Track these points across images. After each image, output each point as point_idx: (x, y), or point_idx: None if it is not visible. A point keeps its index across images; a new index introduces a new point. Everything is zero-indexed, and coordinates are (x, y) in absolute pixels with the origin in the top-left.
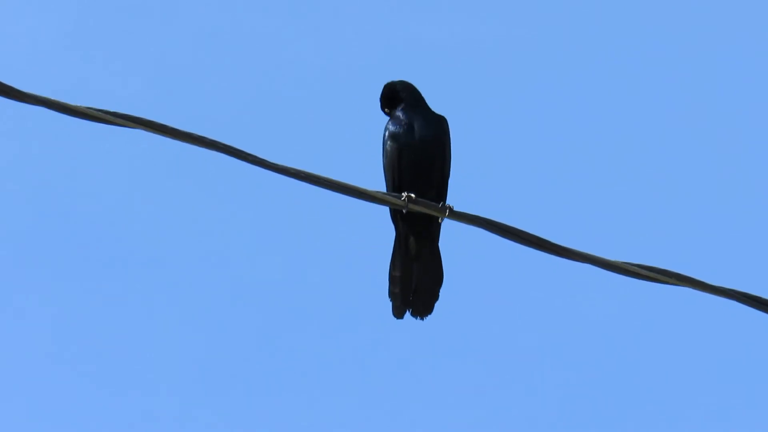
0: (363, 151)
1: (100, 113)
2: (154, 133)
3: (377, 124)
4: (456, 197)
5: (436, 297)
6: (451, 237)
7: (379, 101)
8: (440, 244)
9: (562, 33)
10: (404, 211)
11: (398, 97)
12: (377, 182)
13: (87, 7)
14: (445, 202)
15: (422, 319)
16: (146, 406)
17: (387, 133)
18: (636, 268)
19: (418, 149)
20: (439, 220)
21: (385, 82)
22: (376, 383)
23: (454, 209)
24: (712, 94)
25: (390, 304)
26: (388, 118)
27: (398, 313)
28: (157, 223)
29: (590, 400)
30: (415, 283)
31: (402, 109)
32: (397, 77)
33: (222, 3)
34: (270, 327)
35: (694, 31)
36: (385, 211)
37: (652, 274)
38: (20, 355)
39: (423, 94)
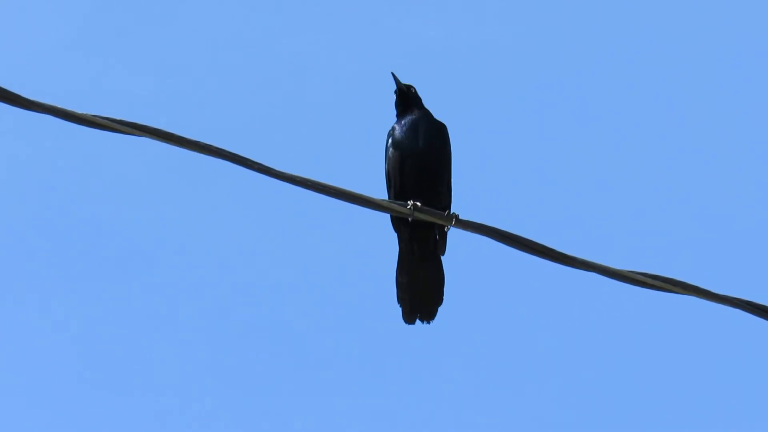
0: (369, 158)
1: (106, 121)
2: (160, 141)
3: (383, 131)
4: (461, 205)
5: (440, 302)
6: (457, 245)
7: (397, 92)
8: (447, 251)
9: (572, 35)
10: (410, 219)
11: (408, 102)
12: (383, 189)
13: (94, 12)
14: (450, 210)
15: (428, 323)
16: (147, 406)
17: (390, 140)
18: (642, 276)
19: (422, 157)
20: (445, 229)
21: (401, 83)
22: (388, 388)
23: (460, 217)
24: (717, 98)
25: (400, 309)
26: (392, 121)
27: (409, 319)
28: (163, 230)
29: (595, 407)
30: (422, 288)
31: (407, 115)
32: (403, 80)
33: (229, 9)
34: (278, 334)
35: (701, 32)
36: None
37: (657, 283)
38: (24, 355)
39: (429, 98)
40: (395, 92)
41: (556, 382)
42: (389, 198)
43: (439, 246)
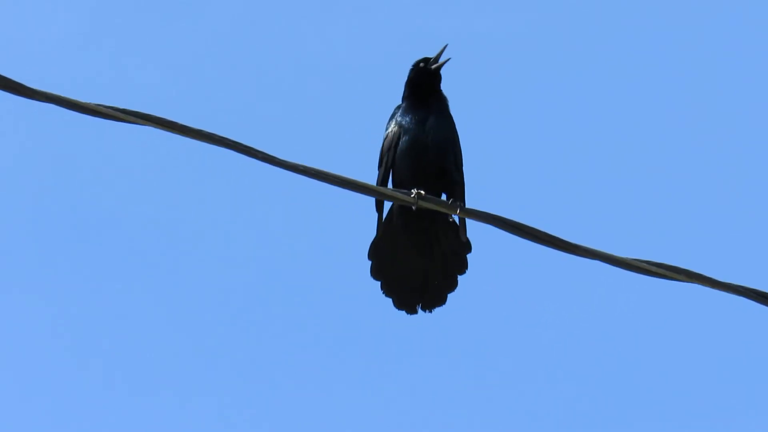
0: (372, 147)
1: (109, 110)
2: (163, 129)
3: (385, 121)
4: (466, 194)
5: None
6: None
7: (422, 63)
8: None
9: (578, 27)
10: (414, 208)
11: (432, 82)
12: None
13: (100, 4)
14: (458, 200)
15: (430, 311)
16: (149, 405)
17: (394, 121)
18: (646, 265)
19: (425, 142)
20: (449, 218)
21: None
22: (392, 379)
23: (465, 206)
24: (726, 91)
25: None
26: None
27: (403, 307)
28: (166, 219)
29: (600, 396)
30: (428, 278)
31: (422, 97)
32: (407, 70)
33: (234, 2)
34: (282, 325)
35: (713, 28)
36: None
37: (662, 271)
38: (21, 351)
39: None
40: (419, 65)
41: (561, 370)
42: (379, 176)
43: (460, 233)
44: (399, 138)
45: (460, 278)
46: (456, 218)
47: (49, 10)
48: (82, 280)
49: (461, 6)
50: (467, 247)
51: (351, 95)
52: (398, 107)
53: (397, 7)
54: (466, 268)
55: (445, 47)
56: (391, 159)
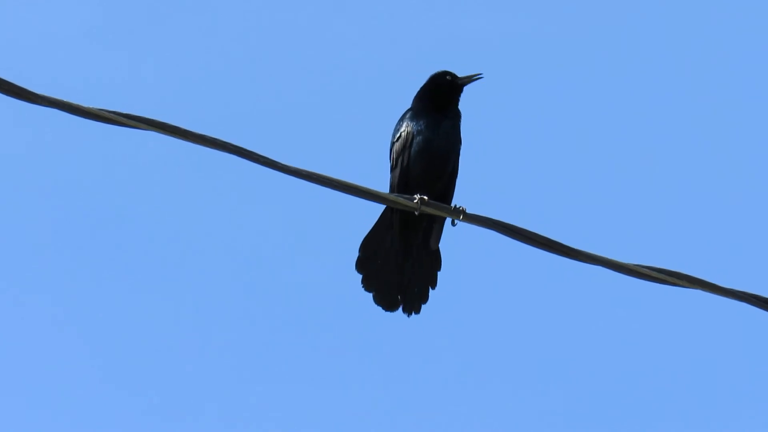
0: (376, 151)
1: (112, 115)
2: (165, 134)
3: (388, 125)
4: (465, 199)
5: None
6: (462, 238)
7: (449, 76)
8: (451, 245)
9: (579, 29)
10: (416, 213)
11: (453, 97)
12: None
13: (105, 6)
14: (451, 202)
15: (409, 315)
16: (152, 403)
17: (405, 123)
18: (647, 270)
19: (438, 150)
20: (452, 223)
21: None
22: (386, 381)
23: (467, 211)
24: (727, 94)
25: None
26: (399, 112)
27: (382, 303)
28: (168, 223)
29: (599, 402)
30: (408, 279)
31: (438, 109)
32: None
33: (240, 2)
34: (284, 327)
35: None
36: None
37: (662, 276)
38: (25, 354)
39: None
40: (446, 77)
41: (562, 376)
42: (392, 178)
43: (431, 239)
44: (412, 139)
45: (459, 283)
46: (458, 223)
47: (53, 11)
48: (85, 282)
49: (460, 9)
50: (437, 264)
51: (353, 99)
52: (408, 110)
53: (399, 11)
54: (436, 283)
55: (478, 74)
56: (406, 160)
